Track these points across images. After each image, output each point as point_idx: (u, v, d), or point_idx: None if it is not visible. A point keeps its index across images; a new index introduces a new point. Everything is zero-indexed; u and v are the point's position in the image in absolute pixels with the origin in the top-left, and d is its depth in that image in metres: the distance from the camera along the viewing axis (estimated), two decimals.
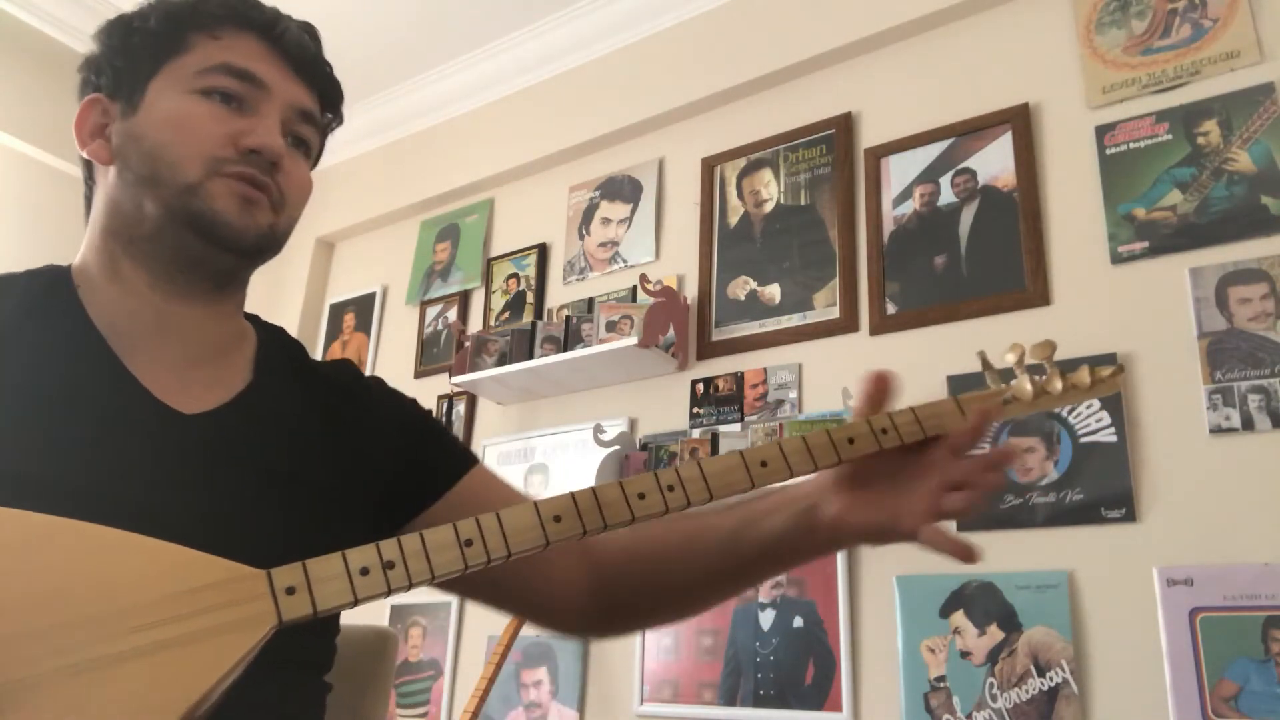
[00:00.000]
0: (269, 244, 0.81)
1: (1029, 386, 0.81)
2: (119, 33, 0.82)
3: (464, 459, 0.92)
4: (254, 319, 0.90)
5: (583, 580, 0.87)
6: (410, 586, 0.62)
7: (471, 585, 0.87)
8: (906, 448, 0.76)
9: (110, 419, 0.72)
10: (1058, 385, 0.81)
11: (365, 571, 0.60)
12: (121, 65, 0.81)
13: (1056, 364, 0.82)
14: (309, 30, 0.87)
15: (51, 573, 0.55)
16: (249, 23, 0.82)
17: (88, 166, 0.85)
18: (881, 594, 1.98)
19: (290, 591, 0.58)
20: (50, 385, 0.72)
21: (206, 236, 0.77)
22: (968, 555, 0.73)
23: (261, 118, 0.80)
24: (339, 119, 0.92)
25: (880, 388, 0.78)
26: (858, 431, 0.75)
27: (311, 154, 0.88)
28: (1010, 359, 0.82)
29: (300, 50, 0.84)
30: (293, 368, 0.88)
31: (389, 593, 0.61)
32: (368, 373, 1.03)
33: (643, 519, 0.69)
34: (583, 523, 0.67)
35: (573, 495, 0.67)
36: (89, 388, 0.73)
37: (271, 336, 0.90)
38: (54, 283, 0.79)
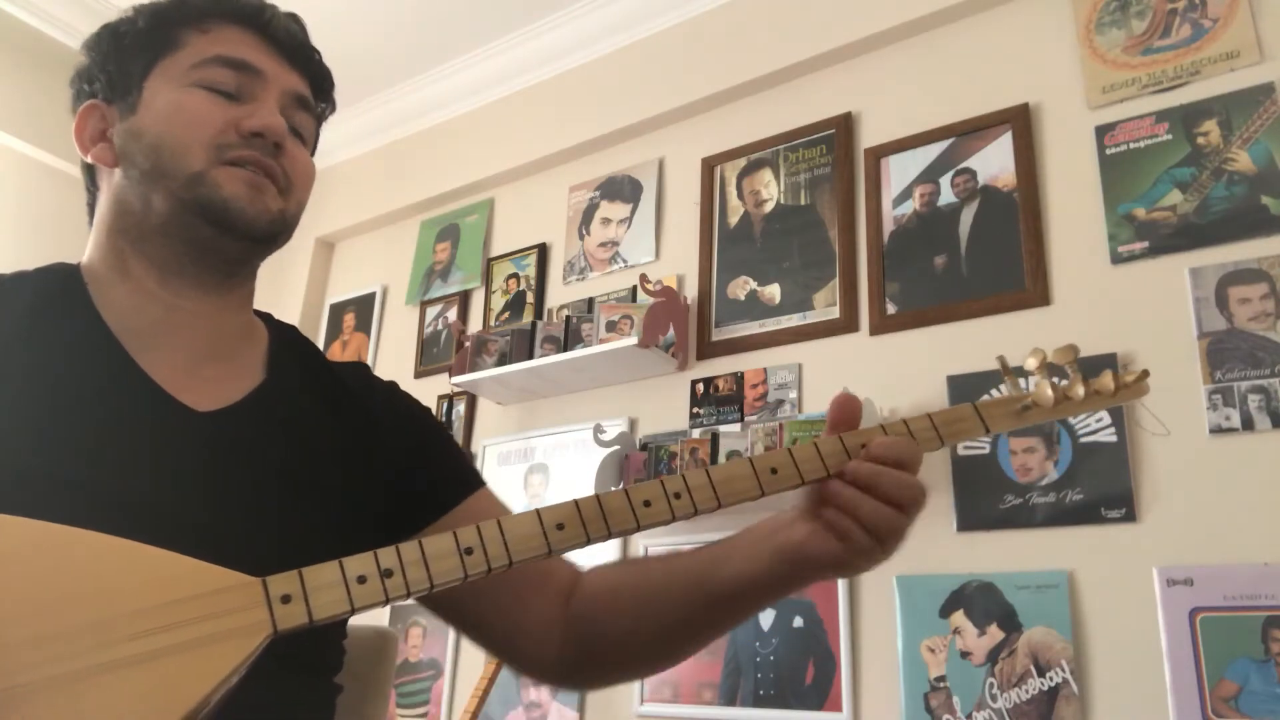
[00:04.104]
0: (280, 229, 0.82)
1: (1050, 392, 0.74)
2: (108, 39, 0.83)
3: (471, 479, 0.91)
4: (266, 317, 0.90)
5: (559, 625, 0.84)
6: (409, 595, 0.60)
7: (456, 615, 0.86)
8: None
9: (124, 417, 0.72)
10: (1080, 391, 0.75)
11: (363, 580, 0.59)
12: (115, 69, 0.82)
13: (1080, 369, 0.76)
14: (295, 19, 0.87)
15: (48, 580, 0.55)
16: (236, 14, 0.83)
17: (89, 173, 0.85)
18: (881, 594, 1.98)
19: (286, 600, 0.57)
20: (64, 383, 0.72)
21: (218, 224, 0.77)
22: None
23: (260, 103, 0.80)
24: (331, 106, 0.92)
25: (847, 412, 0.73)
26: (871, 438, 0.70)
27: (309, 143, 0.88)
28: (1031, 364, 0.76)
29: (290, 38, 0.85)
30: (306, 367, 0.88)
31: (387, 601, 0.60)
32: None
33: (648, 526, 0.65)
34: (586, 531, 0.64)
35: (576, 503, 0.65)
36: (102, 386, 0.73)
37: (284, 335, 0.90)
38: (65, 281, 0.79)
